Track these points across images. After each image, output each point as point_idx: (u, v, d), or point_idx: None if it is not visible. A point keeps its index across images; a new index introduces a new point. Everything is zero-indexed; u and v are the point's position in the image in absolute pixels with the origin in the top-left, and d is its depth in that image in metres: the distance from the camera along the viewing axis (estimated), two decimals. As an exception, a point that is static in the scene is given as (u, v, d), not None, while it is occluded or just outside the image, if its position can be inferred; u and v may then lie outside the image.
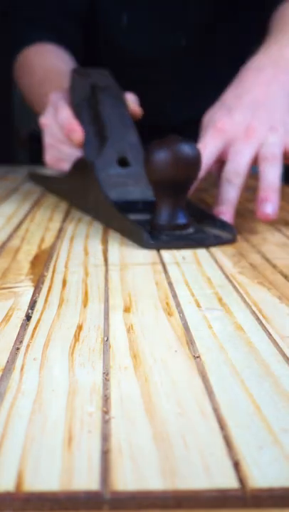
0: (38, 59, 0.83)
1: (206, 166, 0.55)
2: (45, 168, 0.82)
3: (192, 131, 0.66)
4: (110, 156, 0.58)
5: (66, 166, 0.66)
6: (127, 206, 0.54)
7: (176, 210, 0.49)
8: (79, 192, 0.62)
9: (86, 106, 0.64)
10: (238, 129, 0.57)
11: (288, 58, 0.62)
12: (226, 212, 0.54)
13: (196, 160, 0.48)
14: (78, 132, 0.61)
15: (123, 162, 0.58)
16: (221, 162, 0.58)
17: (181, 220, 0.49)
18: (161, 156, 0.47)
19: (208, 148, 0.56)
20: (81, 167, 0.60)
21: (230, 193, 0.55)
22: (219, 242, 0.49)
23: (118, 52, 0.92)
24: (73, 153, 0.64)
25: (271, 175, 0.54)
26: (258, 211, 0.53)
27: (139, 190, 0.56)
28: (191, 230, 0.49)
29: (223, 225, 0.52)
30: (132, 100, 0.66)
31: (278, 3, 0.77)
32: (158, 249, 0.47)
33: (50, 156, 0.68)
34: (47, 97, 0.70)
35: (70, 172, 0.64)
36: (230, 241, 0.49)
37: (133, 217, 0.52)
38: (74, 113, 0.64)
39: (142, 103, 0.68)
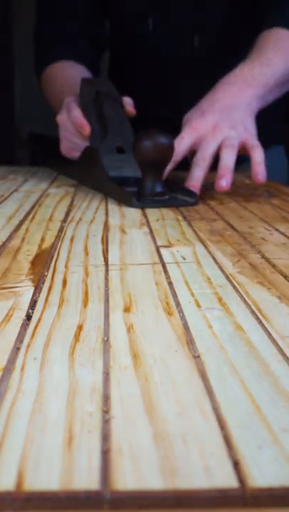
0: (59, 73, 1.02)
1: (181, 153, 0.74)
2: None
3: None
4: (110, 145, 0.77)
5: (76, 153, 0.85)
6: (122, 181, 0.73)
7: (155, 182, 0.69)
8: (86, 172, 0.81)
9: (92, 107, 0.82)
10: (207, 127, 0.75)
11: (256, 77, 0.80)
12: (194, 186, 0.73)
13: (169, 146, 0.68)
14: (86, 128, 0.79)
15: (120, 150, 0.77)
16: (193, 151, 0.76)
17: (159, 189, 0.69)
18: (145, 143, 0.67)
19: (183, 140, 0.75)
20: (88, 153, 0.80)
21: (198, 173, 0.74)
22: (186, 204, 0.69)
23: (142, 53, 1.06)
24: (82, 144, 0.82)
25: (228, 159, 0.72)
26: (216, 185, 0.71)
27: (131, 170, 0.75)
28: (166, 197, 0.69)
29: (190, 193, 0.71)
30: (128, 103, 0.84)
31: (266, 27, 0.89)
32: (142, 208, 0.67)
33: (64, 146, 0.86)
34: (64, 102, 0.87)
35: (79, 157, 0.84)
36: (194, 204, 0.70)
37: (126, 188, 0.71)
38: (83, 113, 0.81)
39: (158, 98, 0.94)
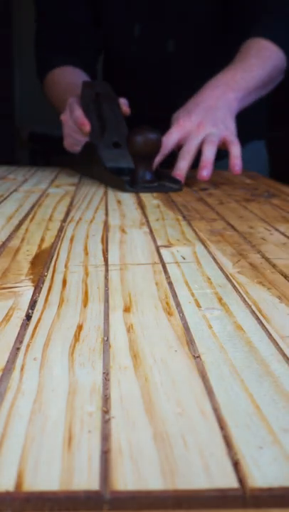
0: (61, 77, 1.12)
1: (169, 146, 0.86)
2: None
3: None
4: (108, 141, 0.89)
5: (78, 148, 0.96)
6: (118, 171, 0.86)
7: (145, 171, 0.82)
8: (87, 164, 0.93)
9: (92, 107, 0.92)
10: (192, 125, 0.86)
11: (238, 81, 0.91)
12: (180, 175, 0.84)
13: (158, 141, 0.81)
14: (86, 126, 0.90)
15: (116, 145, 0.88)
16: (180, 145, 0.87)
17: (149, 177, 0.82)
18: (137, 138, 0.80)
19: (171, 136, 0.86)
20: (88, 148, 0.91)
21: (183, 164, 0.84)
22: (171, 190, 0.81)
23: (128, 60, 1.15)
24: (83, 140, 0.93)
25: (209, 153, 0.83)
26: (199, 175, 0.82)
27: (126, 162, 0.86)
28: (155, 184, 0.82)
29: (175, 181, 0.83)
30: (123, 103, 0.94)
31: (252, 36, 0.98)
32: (136, 193, 0.78)
33: (67, 142, 0.97)
34: (66, 103, 0.97)
35: (81, 152, 0.95)
36: (179, 190, 0.81)
37: (122, 177, 0.82)
38: (84, 112, 0.92)
39: (147, 100, 1.05)
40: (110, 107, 0.92)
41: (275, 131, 1.32)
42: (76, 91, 0.97)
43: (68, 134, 0.95)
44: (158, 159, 0.84)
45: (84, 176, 0.95)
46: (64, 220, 0.59)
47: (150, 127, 0.80)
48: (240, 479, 0.18)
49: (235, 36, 1.01)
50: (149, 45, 1.11)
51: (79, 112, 0.91)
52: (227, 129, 0.86)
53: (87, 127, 0.89)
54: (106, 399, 0.23)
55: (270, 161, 1.22)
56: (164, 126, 0.88)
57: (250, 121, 0.98)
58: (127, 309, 0.34)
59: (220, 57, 0.99)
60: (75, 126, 0.92)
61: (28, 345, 0.28)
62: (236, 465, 0.19)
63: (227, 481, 0.18)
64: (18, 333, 0.30)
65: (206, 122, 0.86)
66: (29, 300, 0.35)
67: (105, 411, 0.22)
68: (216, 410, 0.22)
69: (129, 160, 0.85)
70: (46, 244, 0.49)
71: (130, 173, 0.83)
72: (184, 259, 0.45)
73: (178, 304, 0.35)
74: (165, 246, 0.49)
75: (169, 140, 0.86)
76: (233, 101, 0.90)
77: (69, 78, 1.09)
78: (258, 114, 1.15)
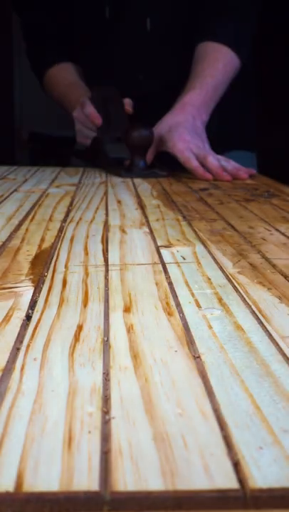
0: (60, 77, 1.24)
1: (197, 164, 0.98)
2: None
3: (159, 100, 1.11)
4: (112, 136, 1.05)
5: (88, 141, 1.11)
6: (119, 161, 1.02)
7: (139, 161, 0.99)
8: (94, 155, 1.10)
9: (100, 108, 1.08)
10: (193, 146, 1.01)
11: (204, 101, 1.05)
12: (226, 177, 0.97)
13: (149, 136, 0.98)
14: (99, 119, 1.06)
15: (119, 139, 1.03)
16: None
17: (142, 165, 0.99)
18: (133, 134, 0.97)
19: (192, 162, 0.98)
20: (96, 142, 1.09)
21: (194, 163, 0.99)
22: (160, 176, 0.98)
23: (104, 42, 1.22)
24: (92, 134, 1.09)
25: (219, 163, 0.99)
26: (225, 179, 0.95)
27: (125, 154, 1.01)
28: (147, 172, 0.98)
29: (163, 170, 1.00)
30: (127, 104, 1.08)
31: (202, 39, 1.10)
32: (131, 178, 0.95)
33: (79, 136, 1.12)
34: (72, 102, 1.14)
35: (90, 145, 1.10)
36: (166, 176, 0.98)
37: (122, 166, 1.01)
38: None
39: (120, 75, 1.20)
40: (115, 107, 1.08)
41: (264, 142, 1.41)
42: (78, 90, 1.16)
43: (80, 129, 1.11)
44: (150, 152, 1.00)
45: (89, 166, 1.10)
46: (64, 220, 0.59)
47: (143, 124, 0.98)
48: (241, 480, 0.18)
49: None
50: (121, 26, 1.19)
51: (91, 109, 1.07)
52: (204, 142, 1.03)
53: (99, 120, 1.06)
54: (106, 399, 0.23)
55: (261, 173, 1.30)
56: (143, 108, 1.08)
57: (238, 130, 1.21)
58: (127, 309, 0.34)
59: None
60: (87, 121, 1.07)
61: (28, 346, 0.28)
62: (236, 466, 0.19)
63: (227, 481, 0.18)
64: (18, 334, 0.30)
65: (198, 142, 1.01)
66: (29, 300, 0.35)
67: (105, 411, 0.22)
68: (216, 411, 0.22)
69: (128, 152, 1.01)
70: (46, 245, 0.49)
71: (128, 163, 1.01)
72: (184, 259, 0.45)
73: (178, 304, 0.35)
74: (165, 246, 0.49)
75: (192, 160, 0.98)
76: (206, 116, 1.06)
77: (68, 79, 1.23)
78: (248, 124, 1.31)
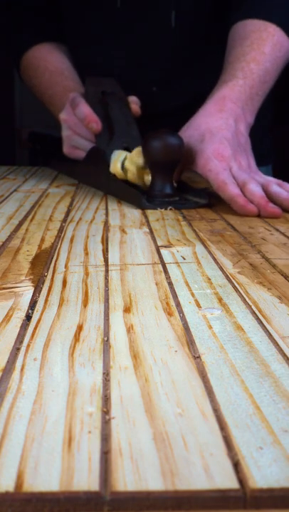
0: (41, 62, 0.95)
1: (234, 184, 0.67)
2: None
3: (179, 117, 0.79)
4: (117, 146, 0.75)
5: (81, 153, 0.81)
6: (130, 183, 0.71)
7: (165, 183, 0.68)
8: (92, 172, 0.80)
9: (98, 108, 0.79)
10: (230, 163, 0.69)
11: (242, 99, 0.74)
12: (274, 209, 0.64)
13: (179, 147, 0.66)
14: (97, 123, 0.76)
15: (127, 150, 0.74)
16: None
17: (169, 190, 0.67)
18: (155, 144, 0.65)
19: (229, 187, 0.66)
20: (94, 154, 0.78)
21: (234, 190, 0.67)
22: (197, 206, 0.67)
23: (112, 33, 0.96)
24: (86, 144, 0.79)
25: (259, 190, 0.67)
26: (272, 213, 0.63)
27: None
28: (177, 198, 0.68)
29: (200, 194, 0.69)
30: (134, 102, 0.81)
31: (240, 17, 0.83)
32: (154, 209, 0.65)
33: (67, 146, 0.82)
34: (58, 98, 0.86)
35: (85, 158, 0.81)
36: (207, 205, 0.67)
37: (134, 189, 0.69)
38: None
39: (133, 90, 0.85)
40: (119, 108, 0.79)
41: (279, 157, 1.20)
42: (64, 82, 0.86)
43: (69, 136, 0.80)
44: (179, 169, 0.70)
45: (87, 186, 0.82)
46: (64, 220, 0.59)
47: (169, 130, 0.66)
48: (241, 480, 0.18)
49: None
50: (133, 15, 0.95)
51: (86, 108, 0.76)
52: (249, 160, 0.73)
53: (98, 125, 0.75)
54: (106, 399, 0.23)
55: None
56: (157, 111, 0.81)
57: (256, 146, 0.79)
58: (127, 309, 0.34)
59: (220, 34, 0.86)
60: (79, 125, 0.78)
61: (28, 346, 0.28)
62: (236, 466, 0.19)
63: (227, 481, 0.18)
64: (18, 334, 0.30)
65: (238, 159, 0.70)
66: (29, 300, 0.35)
67: (105, 411, 0.22)
68: (216, 411, 0.22)
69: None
70: (46, 245, 0.49)
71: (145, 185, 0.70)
72: (184, 259, 0.45)
73: (178, 304, 0.35)
74: (165, 246, 0.49)
75: (229, 179, 0.67)
76: (249, 121, 0.76)
77: (51, 64, 0.93)
78: (264, 137, 1.03)
